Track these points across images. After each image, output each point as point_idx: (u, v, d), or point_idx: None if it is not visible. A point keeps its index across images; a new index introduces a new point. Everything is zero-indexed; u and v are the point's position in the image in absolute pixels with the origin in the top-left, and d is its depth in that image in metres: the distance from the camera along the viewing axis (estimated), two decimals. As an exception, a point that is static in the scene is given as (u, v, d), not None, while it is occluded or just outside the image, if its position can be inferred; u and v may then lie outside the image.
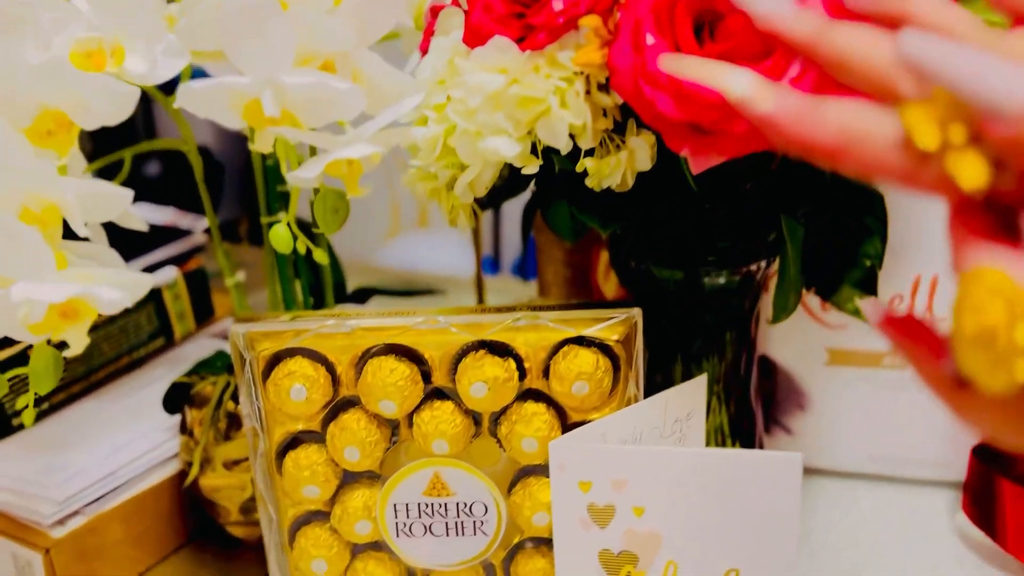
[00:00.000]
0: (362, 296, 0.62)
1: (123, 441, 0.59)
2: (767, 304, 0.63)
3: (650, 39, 0.36)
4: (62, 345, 0.39)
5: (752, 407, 0.56)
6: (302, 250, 0.41)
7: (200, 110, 0.38)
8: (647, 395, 0.44)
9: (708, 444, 0.53)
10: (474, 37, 0.42)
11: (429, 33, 0.50)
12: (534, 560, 0.46)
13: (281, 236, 0.40)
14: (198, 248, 0.74)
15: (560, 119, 0.40)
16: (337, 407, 0.45)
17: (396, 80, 0.41)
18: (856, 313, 0.52)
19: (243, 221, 1.07)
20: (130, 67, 0.43)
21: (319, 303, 0.58)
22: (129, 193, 0.39)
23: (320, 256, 0.42)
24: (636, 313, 0.43)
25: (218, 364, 0.58)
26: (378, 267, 0.95)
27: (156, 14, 0.43)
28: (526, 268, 0.92)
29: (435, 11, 0.50)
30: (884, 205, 0.50)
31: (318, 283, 0.58)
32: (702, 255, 0.49)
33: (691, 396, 0.44)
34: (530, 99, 0.40)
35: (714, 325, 0.52)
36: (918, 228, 0.57)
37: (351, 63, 0.40)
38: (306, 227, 0.45)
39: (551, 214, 0.50)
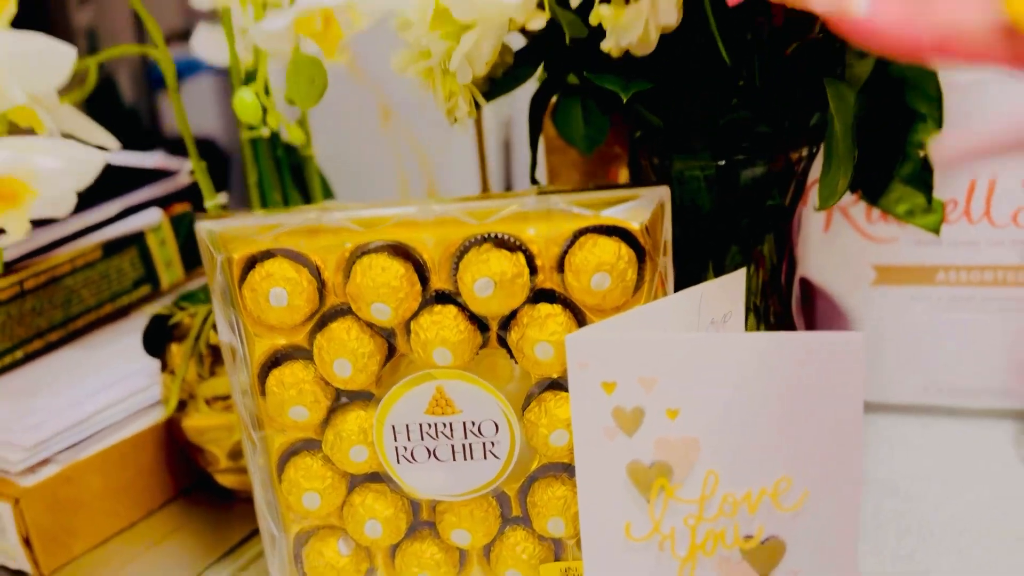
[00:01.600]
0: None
1: (101, 384, 0.53)
2: (809, 218, 0.57)
3: None
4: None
5: (795, 327, 0.50)
6: (274, 125, 0.35)
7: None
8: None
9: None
10: None
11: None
12: (553, 488, 0.40)
13: (248, 105, 0.34)
14: (187, 190, 0.69)
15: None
16: (325, 317, 0.39)
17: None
18: (909, 215, 0.46)
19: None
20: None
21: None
22: (71, 50, 0.34)
23: (295, 134, 0.36)
24: (663, 193, 0.37)
25: (201, 296, 0.53)
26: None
27: None
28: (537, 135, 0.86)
29: None
30: (938, 85, 0.44)
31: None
32: (736, 142, 0.43)
33: (729, 292, 0.38)
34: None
35: (751, 229, 0.46)
36: (976, 121, 0.51)
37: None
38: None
39: (562, 116, 0.45)
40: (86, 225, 0.61)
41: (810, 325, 0.59)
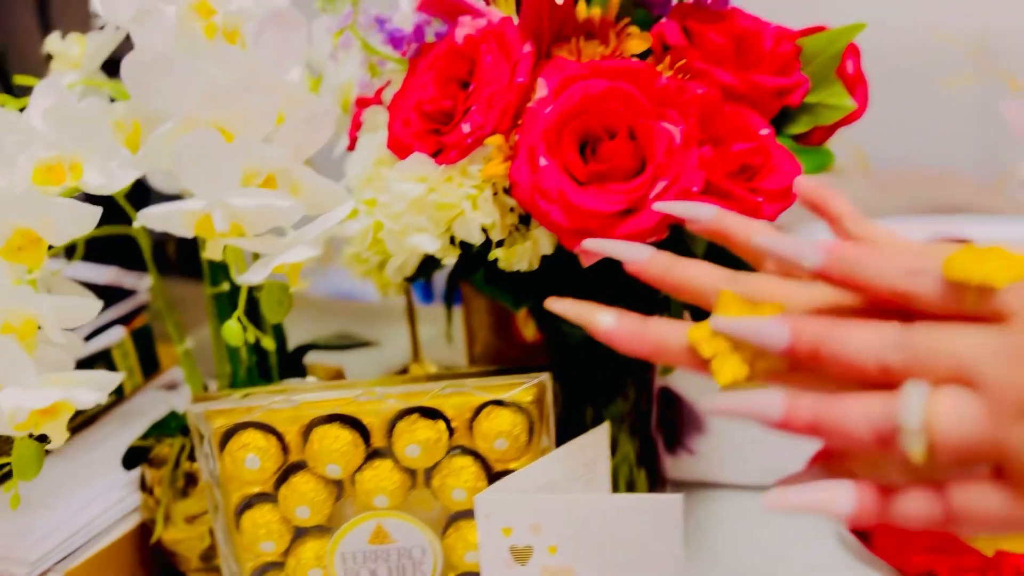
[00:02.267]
0: (302, 352, 0.68)
1: (86, 499, 0.63)
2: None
3: (543, 161, 0.43)
4: (43, 437, 0.44)
5: (653, 437, 0.64)
6: (252, 340, 0.47)
7: (158, 226, 0.44)
8: (561, 442, 0.51)
9: (619, 474, 0.60)
10: (395, 146, 0.49)
11: (356, 123, 0.57)
12: (468, 593, 0.53)
13: (233, 331, 0.45)
14: (143, 307, 0.79)
15: (473, 220, 0.47)
16: (287, 471, 0.51)
17: (330, 188, 0.47)
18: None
19: (171, 241, 1.09)
20: (88, 180, 0.48)
21: (262, 361, 0.64)
22: (97, 303, 0.45)
23: (268, 343, 0.48)
24: (546, 378, 0.50)
25: (172, 425, 0.63)
26: (314, 297, 1.00)
27: (109, 132, 0.48)
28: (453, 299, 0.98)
29: (360, 103, 0.56)
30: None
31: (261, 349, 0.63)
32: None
33: (594, 444, 0.51)
34: (446, 205, 0.46)
35: (616, 373, 0.59)
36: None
37: (290, 176, 0.46)
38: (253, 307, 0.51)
39: (478, 285, 0.57)
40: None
41: (674, 423, 0.73)
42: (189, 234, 0.45)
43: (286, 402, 0.49)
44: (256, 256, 0.46)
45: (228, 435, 0.50)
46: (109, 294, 0.78)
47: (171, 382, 0.80)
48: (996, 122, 1.27)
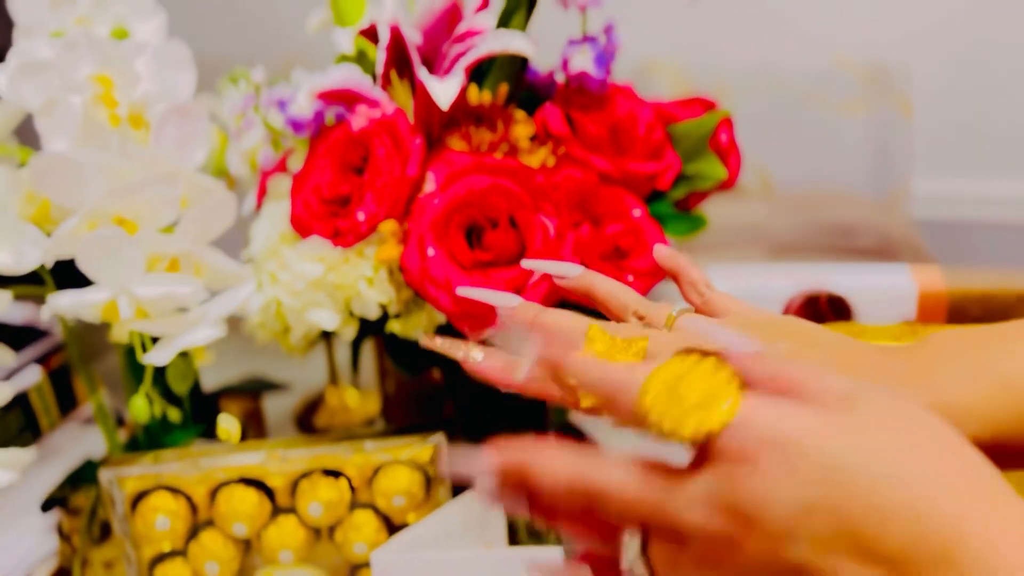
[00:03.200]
0: (214, 398, 0.70)
1: (3, 544, 0.66)
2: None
3: (431, 251, 0.47)
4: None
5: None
6: (158, 414, 0.50)
7: (67, 313, 0.47)
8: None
9: (520, 532, 0.64)
10: (297, 225, 0.52)
11: (263, 189, 0.60)
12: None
13: (139, 408, 0.48)
14: (60, 346, 0.80)
15: (369, 298, 0.50)
16: (197, 528, 0.54)
17: (231, 268, 0.50)
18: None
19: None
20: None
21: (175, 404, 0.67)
22: (7, 355, 0.47)
23: (174, 415, 0.51)
24: (440, 439, 0.54)
25: (88, 473, 0.65)
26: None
27: (16, 213, 0.50)
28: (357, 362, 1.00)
29: (266, 175, 0.59)
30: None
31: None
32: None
33: (488, 496, 0.56)
34: (344, 285, 0.50)
35: (511, 416, 0.64)
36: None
37: (193, 259, 0.49)
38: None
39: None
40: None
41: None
42: (97, 320, 0.47)
43: (195, 468, 0.52)
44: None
45: (139, 497, 0.53)
46: (25, 334, 0.80)
47: (87, 416, 0.82)
48: (889, 145, 1.35)
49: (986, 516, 0.24)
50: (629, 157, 0.54)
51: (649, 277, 0.52)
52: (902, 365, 0.33)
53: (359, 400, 0.93)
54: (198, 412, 0.70)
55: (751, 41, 1.38)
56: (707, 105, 0.64)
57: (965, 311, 0.67)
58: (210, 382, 0.79)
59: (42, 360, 0.78)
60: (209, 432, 0.74)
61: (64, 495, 0.64)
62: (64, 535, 0.64)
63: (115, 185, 0.46)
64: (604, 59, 0.53)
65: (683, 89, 1.32)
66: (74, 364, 0.60)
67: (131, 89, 0.49)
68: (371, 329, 0.56)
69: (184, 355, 0.50)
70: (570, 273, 0.41)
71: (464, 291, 0.43)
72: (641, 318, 0.39)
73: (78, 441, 0.80)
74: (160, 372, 0.51)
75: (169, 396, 0.62)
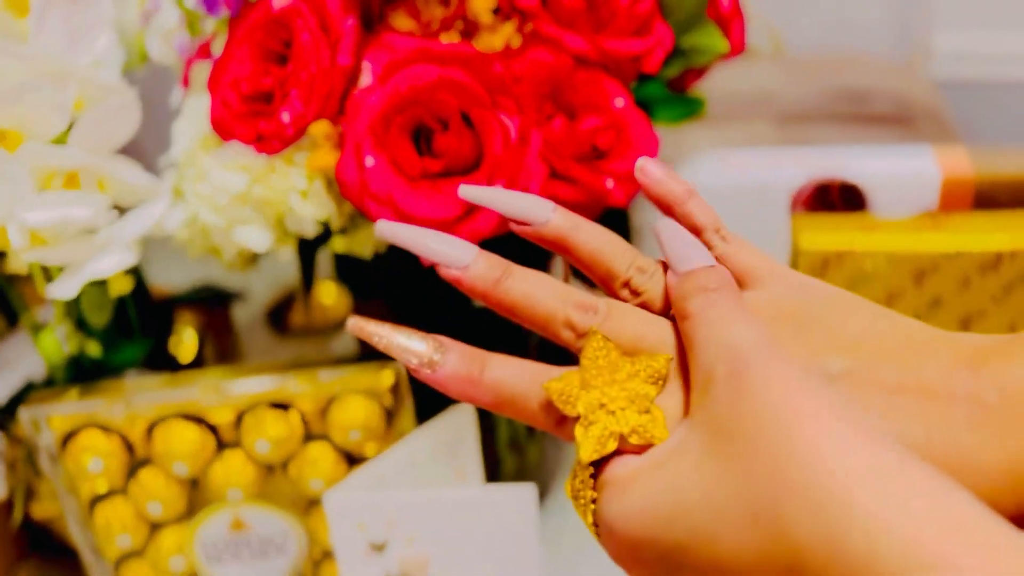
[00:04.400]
0: (165, 309, 0.64)
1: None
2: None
3: (370, 160, 0.40)
4: None
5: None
6: (75, 350, 0.44)
7: (-53, 240, 0.40)
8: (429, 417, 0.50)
9: (504, 452, 0.59)
10: (218, 127, 0.44)
11: (187, 76, 0.51)
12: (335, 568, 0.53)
13: (50, 346, 0.42)
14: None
15: (304, 213, 0.43)
16: (135, 466, 0.49)
17: (142, 180, 0.43)
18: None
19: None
20: None
21: (123, 316, 0.61)
22: None
23: (94, 349, 0.45)
24: (401, 367, 0.48)
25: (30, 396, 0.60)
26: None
27: None
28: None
29: (188, 63, 0.51)
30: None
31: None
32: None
33: (458, 422, 0.50)
34: (273, 200, 0.43)
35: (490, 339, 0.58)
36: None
37: (95, 173, 0.42)
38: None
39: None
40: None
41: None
42: (-17, 244, 0.40)
43: (126, 406, 0.47)
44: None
45: (68, 437, 0.47)
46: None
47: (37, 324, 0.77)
48: (911, 1, 1.23)
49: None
50: (610, 34, 0.45)
51: (632, 182, 0.44)
52: (994, 395, 0.23)
53: (336, 296, 0.87)
54: (148, 323, 0.64)
55: None
56: (704, -36, 0.54)
57: (993, 199, 0.60)
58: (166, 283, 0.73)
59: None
60: (162, 345, 0.68)
61: (3, 421, 0.59)
62: (8, 464, 0.60)
63: (-13, 89, 0.38)
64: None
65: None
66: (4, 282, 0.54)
67: (3, -34, 0.41)
68: (312, 245, 0.49)
69: (99, 283, 0.44)
70: (536, 217, 0.29)
71: (385, 228, 0.30)
72: (634, 291, 0.29)
73: (26, 353, 0.75)
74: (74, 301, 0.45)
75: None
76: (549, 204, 0.30)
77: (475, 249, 0.28)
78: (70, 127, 0.41)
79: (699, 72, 0.55)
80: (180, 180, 0.47)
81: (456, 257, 0.28)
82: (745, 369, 0.22)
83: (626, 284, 0.29)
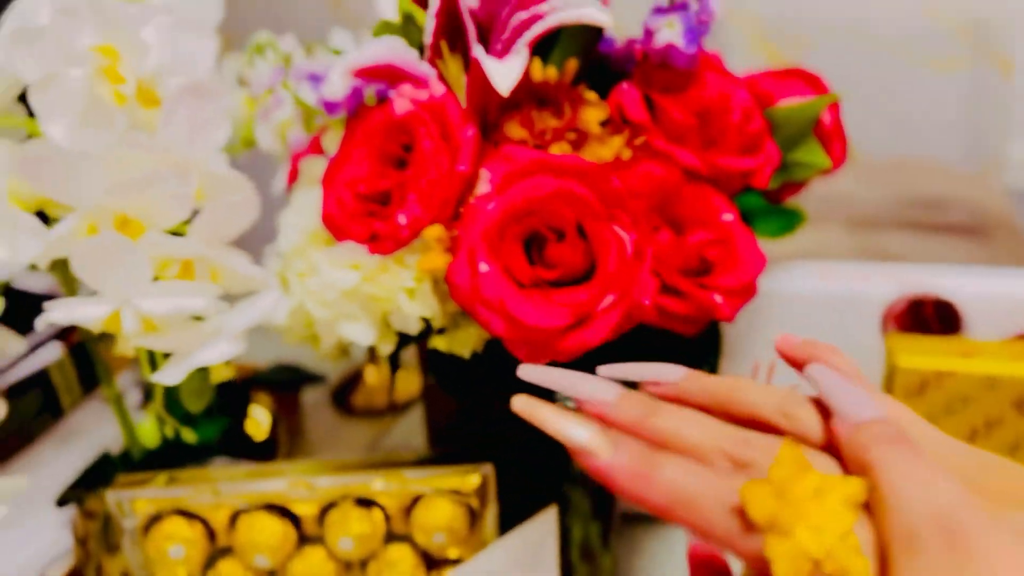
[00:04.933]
0: (243, 391, 0.65)
1: (20, 539, 0.61)
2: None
3: (483, 267, 0.40)
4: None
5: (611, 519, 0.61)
6: (171, 435, 0.44)
7: (64, 322, 0.40)
8: (509, 519, 0.49)
9: (577, 561, 0.57)
10: (330, 224, 0.45)
11: (294, 168, 0.52)
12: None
13: (149, 431, 0.42)
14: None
15: (410, 312, 0.43)
16: (215, 556, 0.48)
17: (254, 272, 0.44)
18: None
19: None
20: (-9, 254, 0.44)
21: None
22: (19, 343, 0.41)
23: (188, 436, 0.45)
24: (489, 470, 0.47)
25: (106, 471, 0.60)
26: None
27: (6, 201, 0.44)
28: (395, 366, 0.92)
29: (297, 157, 0.52)
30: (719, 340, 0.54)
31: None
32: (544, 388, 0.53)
33: (540, 531, 0.49)
34: (381, 298, 0.43)
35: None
36: (752, 323, 0.63)
37: (209, 263, 0.42)
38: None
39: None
40: (-9, 372, 0.68)
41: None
42: (96, 329, 0.41)
43: (213, 494, 0.46)
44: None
45: (152, 521, 0.47)
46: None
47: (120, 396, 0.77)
48: (985, 107, 1.23)
49: None
50: (720, 150, 0.45)
51: (739, 296, 0.44)
52: None
53: (402, 378, 0.87)
54: (225, 400, 0.64)
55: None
56: (807, 79, 0.55)
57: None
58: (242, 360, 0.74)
59: (64, 335, 0.73)
60: (237, 424, 0.68)
61: (79, 496, 0.59)
62: (79, 538, 0.59)
63: (118, 179, 0.39)
64: (696, 32, 0.44)
65: (760, 43, 1.21)
66: (92, 344, 0.55)
67: (140, 62, 0.42)
68: (411, 341, 0.49)
69: (201, 370, 0.44)
70: (669, 377, 0.30)
71: (528, 372, 0.32)
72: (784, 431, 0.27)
73: (101, 421, 0.75)
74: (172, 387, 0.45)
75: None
76: (614, 387, 0.29)
77: (619, 388, 0.28)
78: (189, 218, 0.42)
79: (798, 185, 0.55)
80: (285, 270, 0.48)
81: (601, 395, 0.28)
82: (965, 538, 0.22)
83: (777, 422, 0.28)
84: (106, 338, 0.48)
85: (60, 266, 0.49)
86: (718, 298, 0.43)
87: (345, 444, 0.81)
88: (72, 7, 0.42)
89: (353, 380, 0.88)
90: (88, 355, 0.75)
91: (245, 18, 1.08)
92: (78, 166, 0.39)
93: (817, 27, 1.22)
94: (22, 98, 0.55)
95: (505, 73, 0.40)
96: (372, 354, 0.85)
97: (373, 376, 0.86)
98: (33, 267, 0.50)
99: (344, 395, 0.87)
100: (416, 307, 0.43)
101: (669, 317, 0.43)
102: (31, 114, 0.53)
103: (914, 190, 1.13)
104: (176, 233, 0.42)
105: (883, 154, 1.23)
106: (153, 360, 0.43)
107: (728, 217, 0.45)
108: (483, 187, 0.41)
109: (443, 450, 0.49)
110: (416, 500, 0.48)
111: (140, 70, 0.42)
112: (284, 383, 0.69)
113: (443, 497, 0.47)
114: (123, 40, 0.42)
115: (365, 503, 0.47)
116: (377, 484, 0.47)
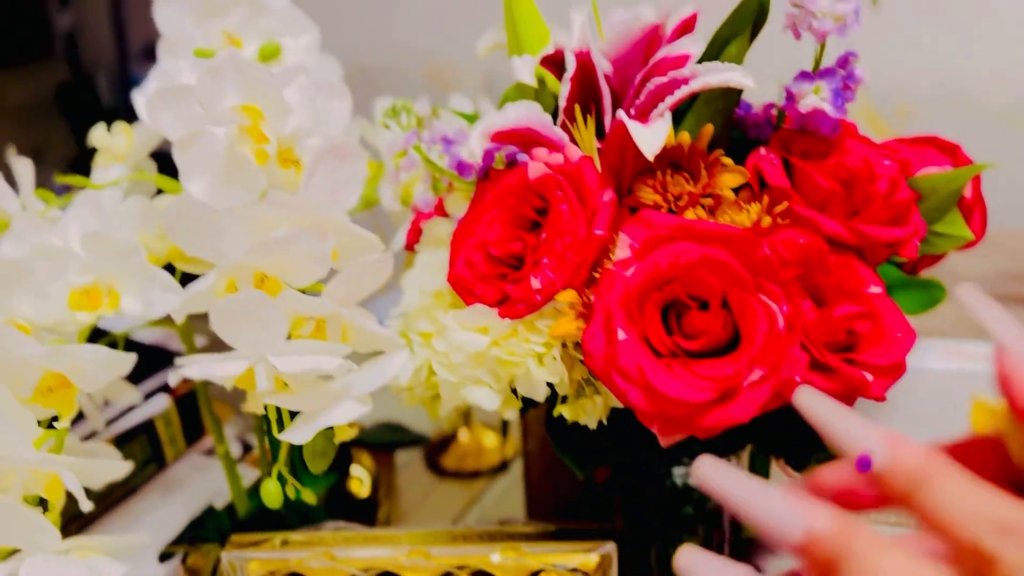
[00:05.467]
0: (344, 450, 0.64)
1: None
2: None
3: (621, 334, 0.38)
4: None
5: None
6: (292, 496, 0.43)
7: (196, 377, 0.40)
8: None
9: None
10: (457, 286, 0.44)
11: (416, 229, 0.52)
12: None
13: (272, 493, 0.42)
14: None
15: (538, 378, 0.42)
16: (327, 623, 0.47)
17: (383, 332, 0.43)
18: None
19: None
20: (126, 307, 0.44)
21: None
22: (125, 466, 0.41)
23: (308, 497, 0.44)
24: (611, 548, 0.45)
25: (209, 526, 0.60)
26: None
27: (143, 257, 0.44)
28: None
29: (420, 216, 0.52)
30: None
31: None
32: (673, 461, 0.51)
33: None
34: (510, 362, 0.42)
35: (689, 517, 0.54)
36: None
37: (341, 320, 0.42)
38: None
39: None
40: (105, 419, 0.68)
41: (750, 544, 0.67)
42: (229, 386, 0.41)
43: (328, 559, 0.45)
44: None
45: (265, 584, 0.46)
46: (154, 357, 0.75)
47: (212, 447, 0.78)
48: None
49: None
50: (865, 219, 0.43)
51: (890, 374, 0.41)
52: None
53: (496, 441, 0.85)
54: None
55: (937, 56, 1.23)
56: (943, 148, 0.53)
57: None
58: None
59: (170, 387, 0.74)
60: (340, 482, 0.68)
61: (183, 551, 0.59)
62: (182, 596, 0.59)
63: (260, 238, 0.39)
64: (843, 97, 0.43)
65: (863, 111, 1.18)
66: (201, 396, 0.55)
67: (282, 122, 0.43)
68: (533, 406, 0.47)
69: (325, 430, 0.43)
70: (785, 536, 0.24)
71: (809, 398, 0.26)
72: None
73: (203, 472, 0.75)
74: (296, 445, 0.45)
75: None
76: (800, 522, 0.24)
77: (820, 509, 0.24)
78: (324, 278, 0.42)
79: (936, 258, 0.52)
80: (407, 330, 0.47)
81: (791, 527, 0.24)
82: None
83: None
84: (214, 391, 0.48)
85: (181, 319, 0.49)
86: (869, 376, 0.40)
87: (437, 506, 0.80)
88: (218, 68, 0.43)
89: (445, 441, 0.87)
90: (192, 406, 0.76)
91: (345, 82, 1.11)
92: (219, 223, 0.39)
93: (920, 95, 1.19)
94: (154, 154, 0.56)
95: (651, 137, 0.39)
96: (467, 416, 0.84)
97: (467, 438, 0.85)
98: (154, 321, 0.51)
99: (435, 455, 0.86)
100: (544, 372, 0.42)
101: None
102: (162, 171, 0.55)
103: (1015, 263, 1.08)
104: (310, 291, 0.42)
105: (988, 225, 1.18)
106: (280, 418, 0.43)
107: (875, 290, 0.42)
108: (622, 252, 0.40)
109: (561, 523, 0.47)
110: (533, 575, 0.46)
111: (282, 130, 0.43)
112: (384, 443, 0.68)
113: (562, 574, 0.45)
114: (266, 100, 0.42)
115: (480, 574, 0.46)
116: (494, 557, 0.45)
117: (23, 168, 0.49)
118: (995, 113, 1.20)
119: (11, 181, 0.50)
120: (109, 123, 0.53)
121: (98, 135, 0.52)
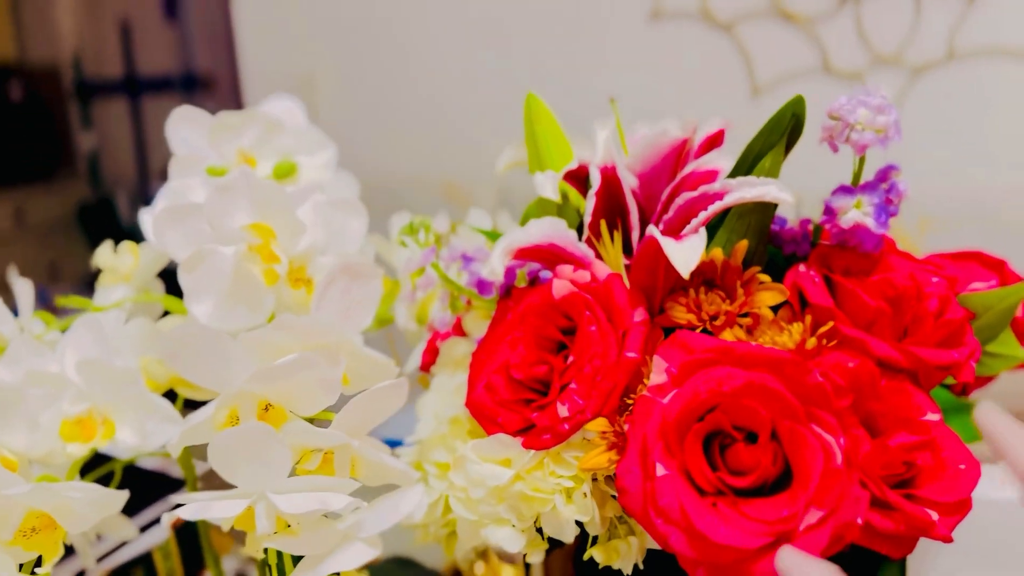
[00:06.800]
0: None
1: None
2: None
3: (660, 469, 0.35)
4: None
5: None
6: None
7: (192, 517, 0.37)
8: None
9: None
10: (476, 412, 0.41)
11: (432, 348, 0.49)
12: None
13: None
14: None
15: (566, 516, 0.38)
16: None
17: (396, 466, 0.40)
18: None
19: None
20: (122, 438, 0.41)
21: None
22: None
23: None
24: None
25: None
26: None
27: (142, 386, 0.42)
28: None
29: (436, 336, 0.49)
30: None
31: None
32: None
33: None
34: (535, 498, 0.38)
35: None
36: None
37: (350, 452, 0.38)
38: None
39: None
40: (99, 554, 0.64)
41: None
42: (227, 527, 0.37)
43: None
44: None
45: None
46: (155, 484, 0.72)
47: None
48: None
49: None
50: (915, 340, 0.40)
51: (956, 512, 0.37)
52: None
53: (514, 574, 0.80)
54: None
55: (957, 168, 1.22)
56: (988, 263, 0.50)
57: None
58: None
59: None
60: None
61: None
62: None
63: (265, 364, 0.36)
64: (887, 212, 0.40)
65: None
66: (201, 527, 0.51)
67: (294, 240, 0.41)
68: (559, 547, 0.43)
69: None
70: None
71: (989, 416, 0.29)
72: None
73: (201, 612, 0.70)
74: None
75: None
76: None
77: None
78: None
79: (987, 379, 0.49)
80: (421, 460, 0.44)
81: None
82: None
83: None
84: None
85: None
86: (933, 515, 0.36)
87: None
88: (229, 185, 0.41)
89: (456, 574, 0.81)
90: (194, 537, 0.71)
91: (361, 198, 1.10)
92: (223, 349, 0.36)
93: (942, 207, 1.18)
94: (161, 275, 0.54)
95: (687, 253, 0.36)
96: (484, 551, 0.79)
97: (484, 572, 0.79)
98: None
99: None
100: (572, 510, 0.38)
101: (873, 536, 0.36)
102: (170, 290, 0.53)
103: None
104: (318, 420, 0.39)
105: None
106: (281, 563, 0.39)
107: (932, 417, 0.39)
108: (657, 377, 0.37)
109: None
110: None
111: (294, 249, 0.41)
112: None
113: None
114: (279, 219, 0.40)
115: None
116: None
117: (23, 289, 0.47)
118: (1018, 227, 1.18)
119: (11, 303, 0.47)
120: (128, 241, 0.52)
121: (103, 255, 0.50)
